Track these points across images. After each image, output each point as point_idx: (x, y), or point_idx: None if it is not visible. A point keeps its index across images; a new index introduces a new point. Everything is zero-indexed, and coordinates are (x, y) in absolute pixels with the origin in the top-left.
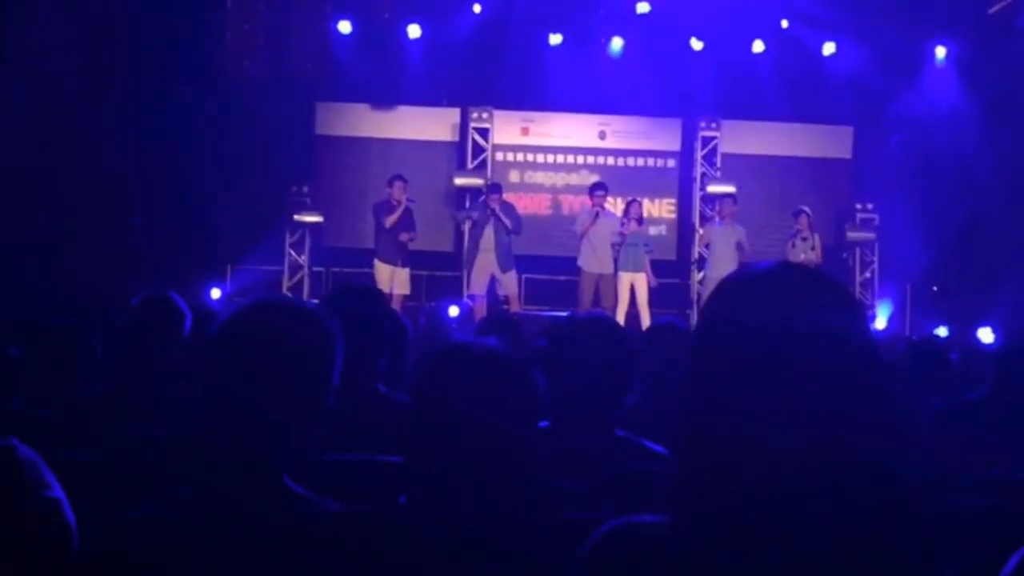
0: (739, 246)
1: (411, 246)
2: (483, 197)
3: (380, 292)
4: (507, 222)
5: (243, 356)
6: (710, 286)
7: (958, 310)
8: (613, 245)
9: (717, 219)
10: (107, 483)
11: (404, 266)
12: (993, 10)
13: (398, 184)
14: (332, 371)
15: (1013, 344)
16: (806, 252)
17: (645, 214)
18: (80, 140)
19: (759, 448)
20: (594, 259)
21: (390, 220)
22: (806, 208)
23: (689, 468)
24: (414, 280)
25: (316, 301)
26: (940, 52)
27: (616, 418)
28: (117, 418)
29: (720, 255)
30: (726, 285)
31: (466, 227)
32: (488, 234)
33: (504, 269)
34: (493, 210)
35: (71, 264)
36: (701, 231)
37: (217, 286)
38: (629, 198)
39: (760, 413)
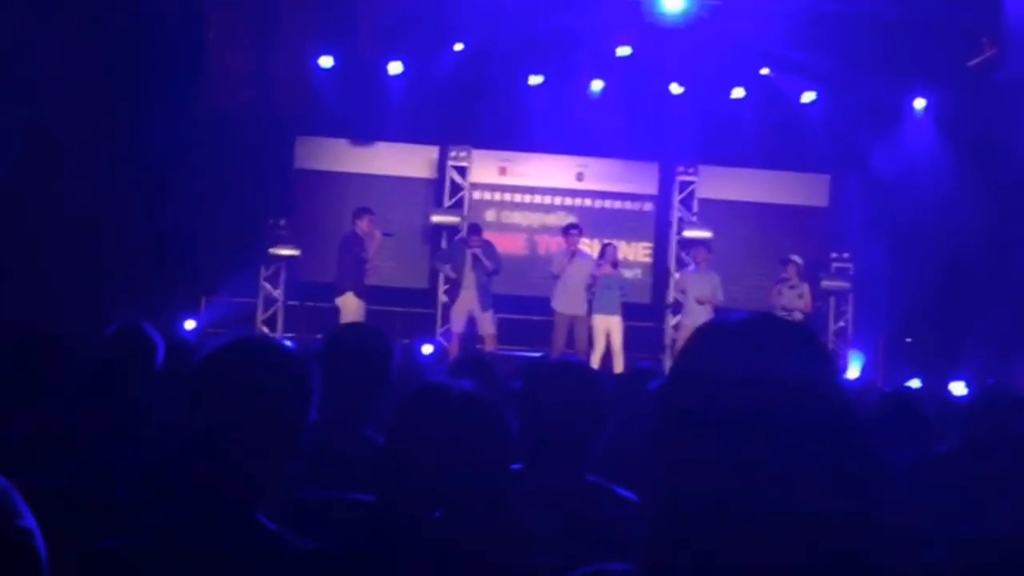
0: (714, 293)
1: (386, 282)
2: (460, 236)
3: (384, 333)
4: (488, 264)
5: (220, 394)
6: (685, 333)
7: (931, 362)
8: (587, 287)
9: (692, 266)
10: (78, 512)
11: (366, 299)
12: (972, 63)
13: (367, 217)
14: (307, 409)
15: (983, 399)
16: (793, 300)
17: (621, 257)
18: (57, 168)
19: (730, 501)
20: (567, 300)
21: (372, 249)
22: (795, 257)
23: (659, 519)
24: (388, 317)
25: (290, 336)
26: (919, 103)
27: (588, 462)
28: (89, 447)
29: (695, 302)
30: (699, 335)
31: (445, 270)
32: (468, 273)
33: (483, 308)
34: (475, 254)
35: (44, 292)
36: (677, 276)
37: (191, 317)
38: (605, 241)
39: (732, 466)
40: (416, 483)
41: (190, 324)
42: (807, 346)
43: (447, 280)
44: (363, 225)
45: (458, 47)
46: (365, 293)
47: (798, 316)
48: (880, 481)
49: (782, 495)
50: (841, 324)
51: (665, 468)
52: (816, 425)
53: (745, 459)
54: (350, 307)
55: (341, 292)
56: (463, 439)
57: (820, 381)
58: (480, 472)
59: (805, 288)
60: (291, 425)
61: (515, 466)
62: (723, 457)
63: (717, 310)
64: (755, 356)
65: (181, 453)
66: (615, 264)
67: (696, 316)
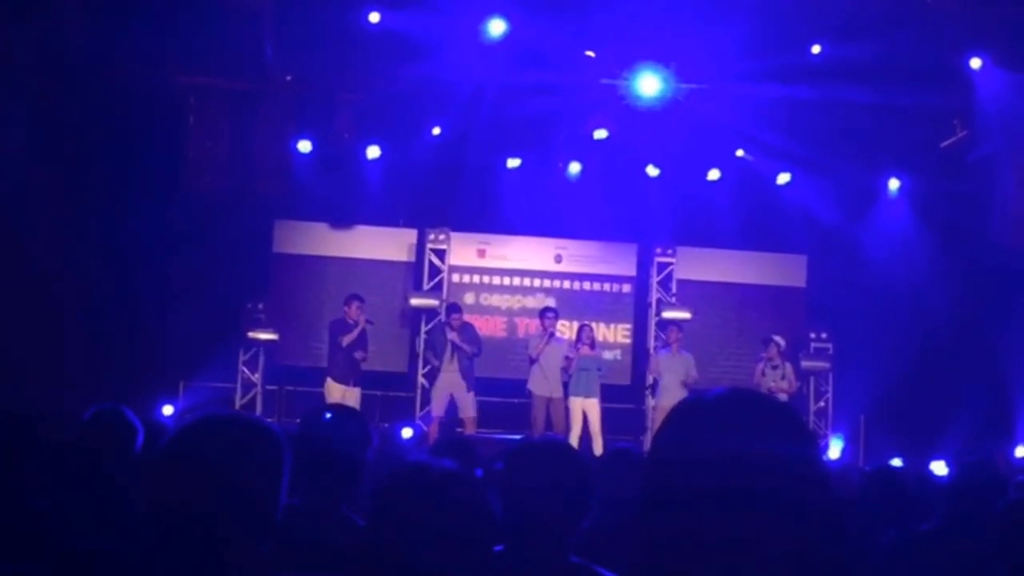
0: (687, 374)
1: (364, 366)
2: (439, 318)
3: (361, 415)
4: (467, 349)
5: (191, 471)
6: (660, 415)
7: (912, 441)
8: (562, 369)
9: (663, 347)
10: None
11: (356, 386)
12: (944, 144)
13: (355, 304)
14: (279, 486)
15: (964, 478)
16: (776, 381)
17: (600, 338)
18: (33, 252)
19: (710, 568)
20: (544, 383)
21: (347, 339)
22: (777, 337)
23: None
24: (368, 400)
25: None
26: (893, 184)
27: (571, 544)
28: (66, 532)
29: (669, 382)
30: (676, 413)
31: (423, 351)
32: (449, 355)
33: (467, 389)
34: (453, 343)
35: (19, 378)
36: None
37: (169, 402)
38: (582, 322)
39: (712, 544)
40: (396, 564)
41: (168, 409)
42: (784, 421)
43: (427, 363)
44: (352, 312)
45: (436, 131)
46: (348, 379)
47: (783, 397)
48: (861, 558)
49: (758, 573)
50: (821, 404)
51: (647, 543)
52: (795, 500)
53: (726, 535)
54: (330, 393)
55: (327, 377)
56: (444, 518)
57: (798, 455)
58: (461, 552)
59: (788, 368)
60: (264, 503)
61: (498, 547)
62: (704, 533)
63: (693, 390)
64: (734, 432)
65: (154, 531)
66: (592, 345)
67: (672, 396)
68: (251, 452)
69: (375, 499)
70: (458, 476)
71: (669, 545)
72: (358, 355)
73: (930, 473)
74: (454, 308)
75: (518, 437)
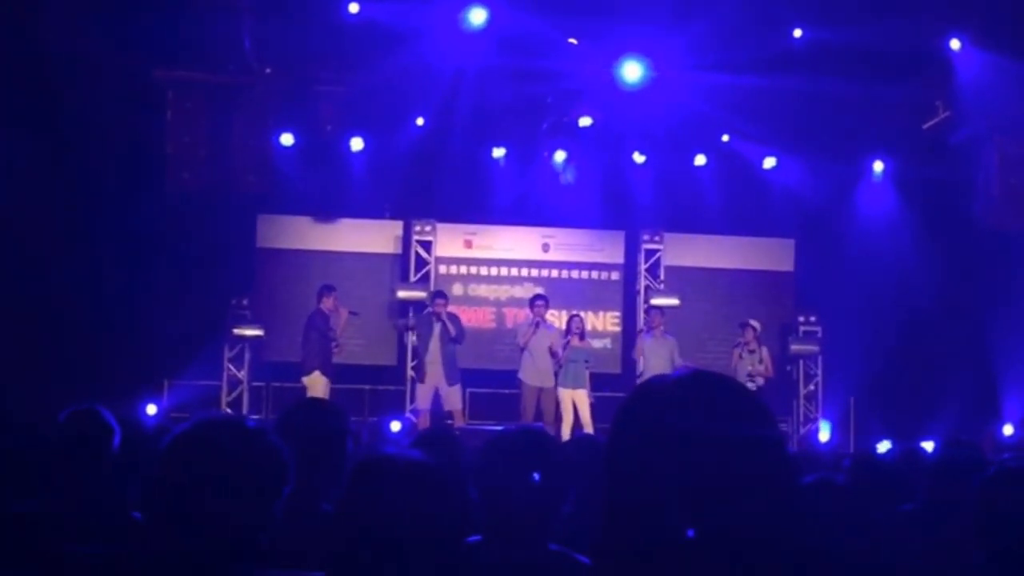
0: (672, 357)
1: (353, 360)
2: (428, 308)
3: (339, 408)
4: (451, 329)
5: (190, 474)
6: None
7: (902, 423)
8: (553, 357)
9: (647, 331)
10: None
11: (332, 377)
12: (927, 126)
13: (332, 295)
14: (281, 488)
15: (944, 459)
16: (753, 364)
17: (589, 327)
18: (13, 251)
19: (670, 548)
20: (534, 372)
21: (340, 328)
22: (752, 321)
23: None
24: (357, 394)
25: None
26: (878, 166)
27: (549, 532)
28: (45, 536)
29: (653, 367)
30: (637, 394)
31: (410, 338)
32: (434, 347)
33: (450, 383)
34: (439, 314)
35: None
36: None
37: (153, 402)
38: (571, 312)
39: (673, 522)
40: (366, 556)
41: (152, 409)
42: (743, 402)
43: (415, 355)
44: (328, 303)
45: (419, 121)
46: (332, 371)
47: (760, 381)
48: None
49: (722, 546)
50: (811, 387)
51: (609, 516)
52: (753, 479)
53: (683, 515)
54: (317, 386)
55: (308, 371)
56: (413, 509)
57: (757, 436)
58: (432, 543)
59: (764, 352)
60: (264, 502)
61: (474, 538)
62: (662, 514)
63: None
64: (690, 412)
65: (149, 532)
66: (582, 335)
67: None
68: (253, 454)
69: (343, 492)
70: (425, 466)
71: (631, 522)
72: (335, 348)
73: (921, 451)
74: (440, 294)
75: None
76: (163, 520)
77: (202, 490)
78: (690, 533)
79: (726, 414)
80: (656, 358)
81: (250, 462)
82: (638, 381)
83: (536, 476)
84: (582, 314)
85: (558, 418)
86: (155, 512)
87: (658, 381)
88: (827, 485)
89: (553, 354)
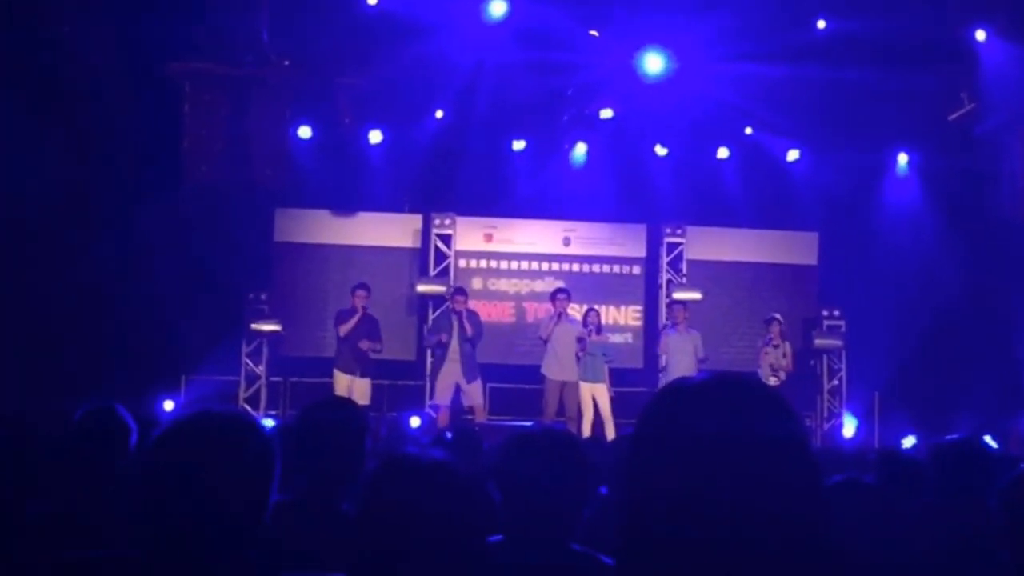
0: (695, 352)
1: (373, 354)
2: (447, 303)
3: (356, 406)
4: (468, 328)
5: (174, 472)
6: None
7: (926, 417)
8: (580, 343)
9: (671, 326)
10: None
11: (364, 376)
12: (952, 117)
13: (360, 293)
14: (267, 486)
15: (950, 456)
16: (777, 359)
17: (611, 321)
18: (31, 247)
19: (695, 551)
20: (557, 366)
21: (344, 329)
22: (777, 316)
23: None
24: (376, 390)
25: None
26: (902, 158)
27: (572, 532)
28: (60, 539)
29: (678, 362)
30: (661, 395)
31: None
32: (453, 344)
33: (469, 380)
34: (458, 312)
35: (18, 374)
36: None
37: (170, 397)
38: (588, 307)
39: (695, 519)
40: (388, 558)
41: (169, 405)
42: (768, 402)
43: (435, 350)
44: (355, 301)
45: (439, 114)
46: (353, 369)
47: (782, 376)
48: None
49: (746, 547)
50: (835, 382)
51: (632, 519)
52: (778, 479)
53: (709, 510)
54: (337, 384)
55: (334, 367)
56: (435, 512)
57: (782, 436)
58: (454, 543)
59: (787, 347)
60: (250, 503)
61: (496, 537)
62: (688, 508)
63: (702, 368)
64: (714, 413)
65: (145, 529)
66: (599, 330)
67: (683, 376)
68: (236, 452)
69: (363, 493)
70: (447, 466)
71: (654, 524)
72: (363, 345)
73: (945, 444)
74: (459, 291)
75: (529, 424)
76: (150, 521)
77: (182, 488)
78: (714, 535)
79: (751, 416)
80: (681, 354)
81: (232, 454)
82: (660, 376)
83: (559, 477)
84: (600, 308)
85: (579, 413)
86: (142, 513)
87: (682, 383)
88: (855, 485)
89: (580, 340)
